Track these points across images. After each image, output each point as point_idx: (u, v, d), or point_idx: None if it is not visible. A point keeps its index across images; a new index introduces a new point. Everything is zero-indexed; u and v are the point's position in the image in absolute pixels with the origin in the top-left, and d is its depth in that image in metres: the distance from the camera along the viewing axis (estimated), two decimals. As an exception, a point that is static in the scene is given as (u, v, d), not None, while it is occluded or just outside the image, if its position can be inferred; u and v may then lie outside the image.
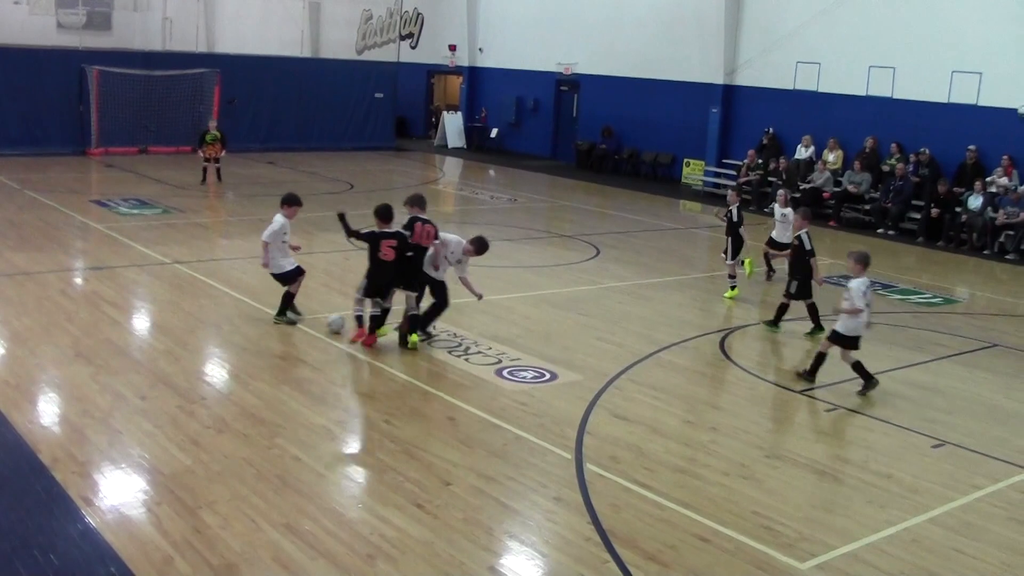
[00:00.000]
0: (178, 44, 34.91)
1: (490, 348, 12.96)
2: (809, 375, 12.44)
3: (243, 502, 8.27)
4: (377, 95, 37.57)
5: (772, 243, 17.84)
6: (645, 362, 12.98)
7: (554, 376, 12.08)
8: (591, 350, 13.56)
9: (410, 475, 9.01)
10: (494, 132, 40.17)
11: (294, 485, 8.67)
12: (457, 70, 42.47)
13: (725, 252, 16.89)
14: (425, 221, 12.92)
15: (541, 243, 15.65)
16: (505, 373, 12.05)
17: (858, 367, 12.16)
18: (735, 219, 16.65)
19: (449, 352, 12.74)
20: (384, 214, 12.62)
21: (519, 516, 8.44)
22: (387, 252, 12.45)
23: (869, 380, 12.15)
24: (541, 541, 8.01)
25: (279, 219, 13.58)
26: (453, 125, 40.79)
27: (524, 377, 11.96)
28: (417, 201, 13.18)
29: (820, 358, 12.35)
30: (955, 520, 8.95)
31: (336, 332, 13.32)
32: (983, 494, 9.57)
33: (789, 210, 17.59)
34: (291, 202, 13.83)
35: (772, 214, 18.25)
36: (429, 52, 42.62)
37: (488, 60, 41.10)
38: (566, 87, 37.96)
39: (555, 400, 11.29)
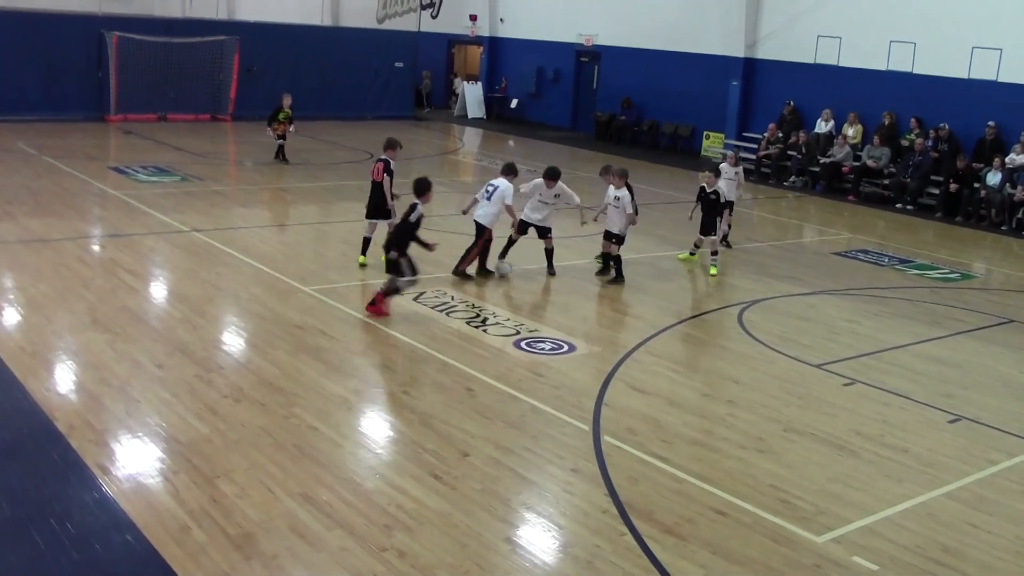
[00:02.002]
0: (198, 11, 34.84)
1: (508, 319, 12.97)
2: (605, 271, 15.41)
3: (260, 471, 8.31)
4: (397, 64, 37.47)
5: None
6: (663, 334, 12.98)
7: (572, 347, 12.09)
8: (609, 322, 13.57)
9: (427, 446, 9.04)
10: (514, 103, 40.06)
11: (311, 455, 8.71)
12: (478, 40, 42.32)
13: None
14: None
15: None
16: (523, 344, 12.06)
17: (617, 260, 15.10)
18: (722, 199, 16.62)
19: (467, 323, 12.75)
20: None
21: (536, 487, 8.47)
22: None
23: (620, 275, 15.08)
24: (558, 512, 8.04)
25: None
26: (473, 95, 40.70)
27: (542, 348, 11.97)
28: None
29: (613, 258, 15.24)
30: (970, 495, 8.96)
31: (503, 276, 14.99)
32: (999, 469, 9.57)
33: (739, 168, 18.32)
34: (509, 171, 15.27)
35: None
36: (450, 22, 42.45)
37: (509, 31, 40.93)
38: (586, 58, 37.80)
39: (573, 371, 11.31)
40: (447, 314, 13.04)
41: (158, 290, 13.98)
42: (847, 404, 11.04)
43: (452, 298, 13.56)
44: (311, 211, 20.08)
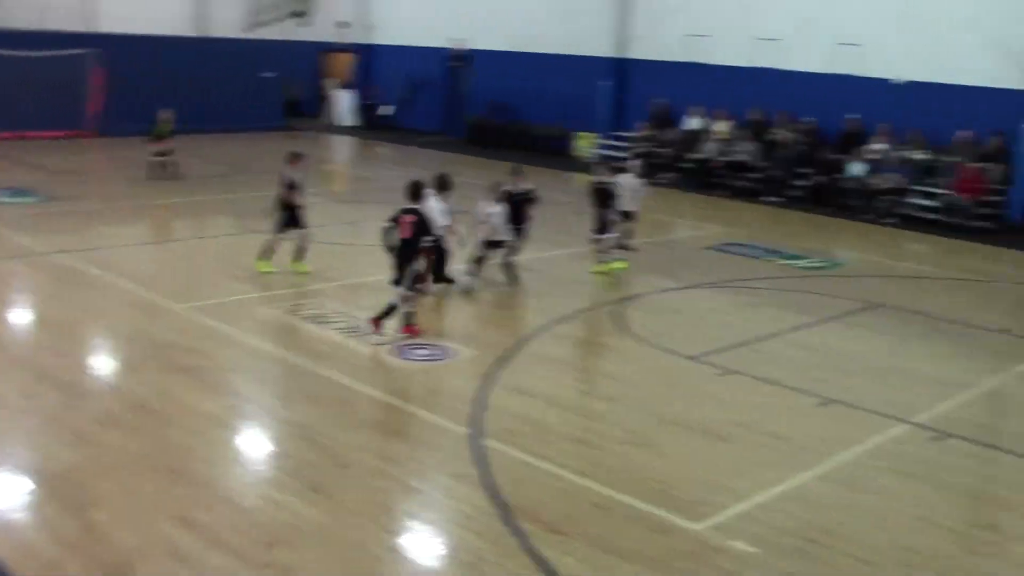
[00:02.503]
0: (54, 23, 33.75)
1: (385, 328, 12.93)
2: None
3: (135, 496, 8.15)
4: (267, 74, 36.97)
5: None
6: (541, 335, 13.08)
7: (450, 353, 12.12)
8: (487, 325, 13.64)
9: (307, 459, 8.98)
10: (387, 109, 39.89)
11: (187, 475, 8.57)
12: (349, 48, 42.03)
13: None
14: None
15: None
16: (401, 352, 12.04)
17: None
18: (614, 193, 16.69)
19: (343, 333, 12.69)
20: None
21: (419, 495, 8.48)
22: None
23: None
24: (442, 518, 8.07)
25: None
26: (346, 103, 40.42)
27: (420, 355, 11.97)
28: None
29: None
30: (841, 475, 9.26)
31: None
32: (865, 448, 9.91)
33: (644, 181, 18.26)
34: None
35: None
36: (320, 30, 42.06)
37: (380, 37, 40.76)
38: (458, 63, 37.83)
39: (451, 377, 11.35)
40: (323, 325, 12.95)
41: (19, 316, 13.48)
42: (722, 394, 11.28)
43: (328, 309, 13.48)
44: (182, 227, 19.76)
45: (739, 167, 27.47)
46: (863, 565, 7.61)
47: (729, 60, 29.30)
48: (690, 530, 7.96)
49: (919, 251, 21.88)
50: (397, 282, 12.31)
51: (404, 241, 12.22)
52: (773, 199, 26.28)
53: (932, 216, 24.37)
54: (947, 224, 23.82)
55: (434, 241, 13.08)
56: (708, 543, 7.77)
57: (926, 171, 25.30)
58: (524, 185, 16.14)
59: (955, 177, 24.24)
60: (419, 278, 12.60)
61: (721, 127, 28.64)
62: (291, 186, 14.91)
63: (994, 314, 16.10)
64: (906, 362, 12.99)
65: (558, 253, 17.40)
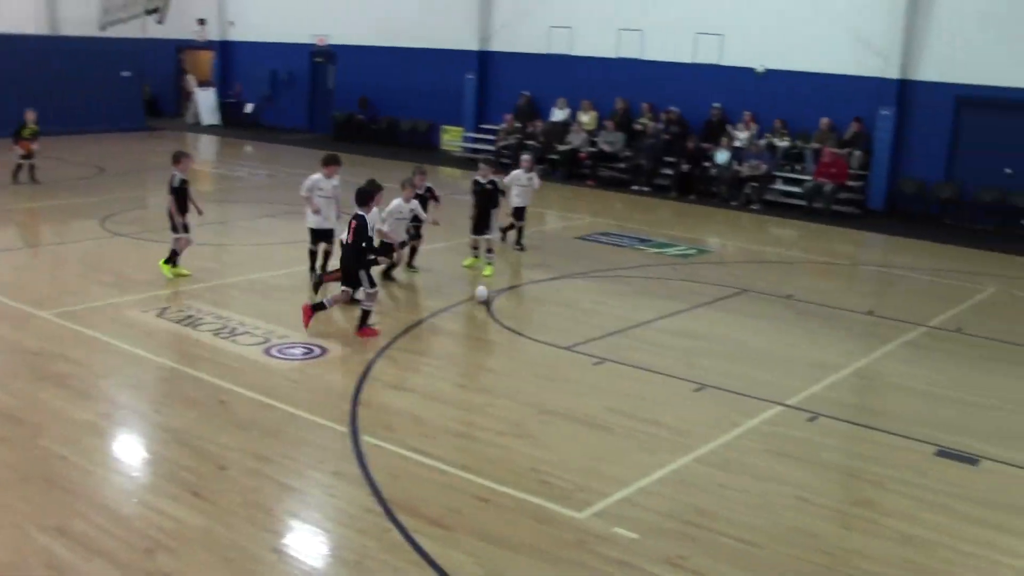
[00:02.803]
0: None
1: (258, 328, 12.74)
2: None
3: (7, 510, 7.86)
4: (124, 73, 36.07)
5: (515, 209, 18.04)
6: (415, 330, 13.03)
7: (325, 351, 11.98)
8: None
9: (184, 463, 8.79)
10: (250, 107, 39.29)
11: (62, 485, 8.31)
12: (208, 45, 41.30)
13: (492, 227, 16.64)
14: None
15: (302, 217, 15.41)
16: (275, 351, 11.87)
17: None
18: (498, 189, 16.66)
19: (215, 335, 12.45)
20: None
21: (299, 494, 8.37)
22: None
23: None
24: (323, 517, 7.97)
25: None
26: (206, 102, 39.69)
27: (294, 354, 11.82)
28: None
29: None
30: (718, 457, 9.42)
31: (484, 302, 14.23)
32: (741, 431, 10.10)
33: (534, 175, 18.07)
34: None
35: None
36: (177, 27, 41.21)
37: (240, 34, 40.12)
38: (321, 58, 37.48)
39: (327, 375, 11.23)
40: (194, 328, 12.69)
41: None
42: (598, 382, 11.38)
43: (198, 311, 13.23)
44: (45, 232, 19.15)
45: (606, 157, 27.79)
46: (744, 546, 7.75)
47: (593, 51, 29.62)
48: (573, 519, 8.01)
49: (785, 236, 22.40)
50: (352, 286, 12.63)
51: (345, 247, 12.52)
52: (641, 188, 26.65)
53: (797, 202, 25.01)
54: (811, 209, 24.46)
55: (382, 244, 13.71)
56: (591, 531, 7.81)
57: (790, 158, 25.97)
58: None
59: (818, 163, 24.89)
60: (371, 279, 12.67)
61: (587, 118, 28.92)
62: (178, 189, 14.61)
63: (859, 297, 16.59)
64: (777, 346, 13.30)
65: (429, 248, 17.33)
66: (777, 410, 10.74)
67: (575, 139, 28.29)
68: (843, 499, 8.97)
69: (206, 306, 13.43)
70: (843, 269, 19.31)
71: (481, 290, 14.45)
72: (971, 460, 9.76)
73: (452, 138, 32.85)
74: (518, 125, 29.76)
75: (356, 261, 12.53)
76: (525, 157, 18.79)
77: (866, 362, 12.87)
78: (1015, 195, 24.03)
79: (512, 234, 18.23)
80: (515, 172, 18.03)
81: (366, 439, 9.38)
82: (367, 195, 12.74)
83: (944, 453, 9.89)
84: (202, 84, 40.79)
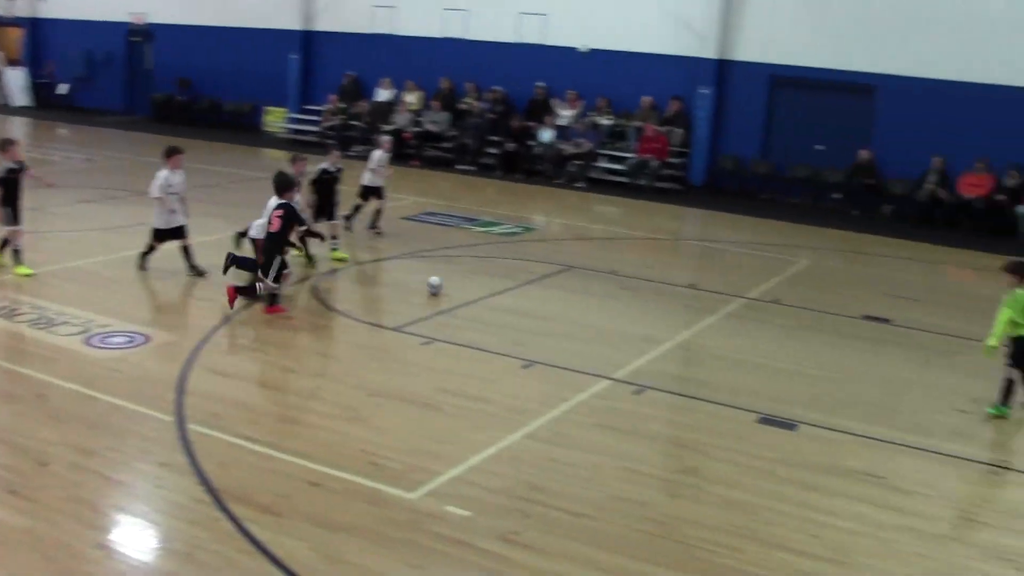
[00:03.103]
0: None
1: (77, 317, 12.32)
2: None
3: None
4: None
5: (366, 191, 17.88)
6: (241, 315, 12.80)
7: (148, 339, 11.66)
8: (186, 308, 13.25)
9: (1, 461, 8.46)
10: (63, 88, 37.87)
11: None
12: (16, 21, 39.58)
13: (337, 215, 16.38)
14: None
15: (123, 202, 15.01)
16: (95, 341, 11.50)
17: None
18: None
19: (32, 326, 12.00)
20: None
21: (125, 487, 8.14)
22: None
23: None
24: (151, 510, 7.77)
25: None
26: (16, 82, 38.07)
27: (116, 343, 11.47)
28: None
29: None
30: (549, 432, 9.55)
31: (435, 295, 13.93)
32: (571, 405, 10.26)
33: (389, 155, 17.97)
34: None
35: (359, 157, 18.03)
36: (-19, 3, 39.48)
37: (51, 11, 38.53)
38: (138, 37, 36.36)
39: (151, 363, 10.93)
40: (9, 319, 12.21)
41: None
42: (428, 362, 11.39)
43: (13, 301, 12.74)
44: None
45: (431, 137, 27.80)
46: (576, 518, 7.87)
47: (418, 31, 29.55)
48: (405, 499, 8.01)
49: (609, 213, 22.79)
50: (265, 272, 12.59)
51: (271, 235, 12.58)
52: (466, 168, 26.75)
53: (620, 179, 25.46)
54: (635, 186, 24.95)
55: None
56: (424, 511, 7.83)
57: (613, 136, 26.42)
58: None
59: (640, 140, 25.40)
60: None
61: (412, 98, 28.86)
62: (5, 180, 13.69)
63: (682, 271, 17.03)
64: (604, 320, 13.53)
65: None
66: (605, 384, 10.95)
67: (400, 119, 28.20)
68: (670, 468, 9.20)
69: (22, 296, 12.93)
70: (666, 244, 19.77)
71: (434, 279, 14.17)
72: (790, 426, 10.14)
73: (275, 119, 32.35)
74: (342, 106, 29.50)
75: (279, 249, 12.60)
76: (385, 138, 18.69)
77: (689, 334, 13.22)
78: (826, 171, 25.02)
79: (369, 216, 18.03)
80: (376, 153, 17.83)
81: (193, 428, 9.18)
82: (290, 183, 12.87)
83: (765, 420, 10.24)
84: (11, 63, 39.08)
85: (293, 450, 8.81)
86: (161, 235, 14.17)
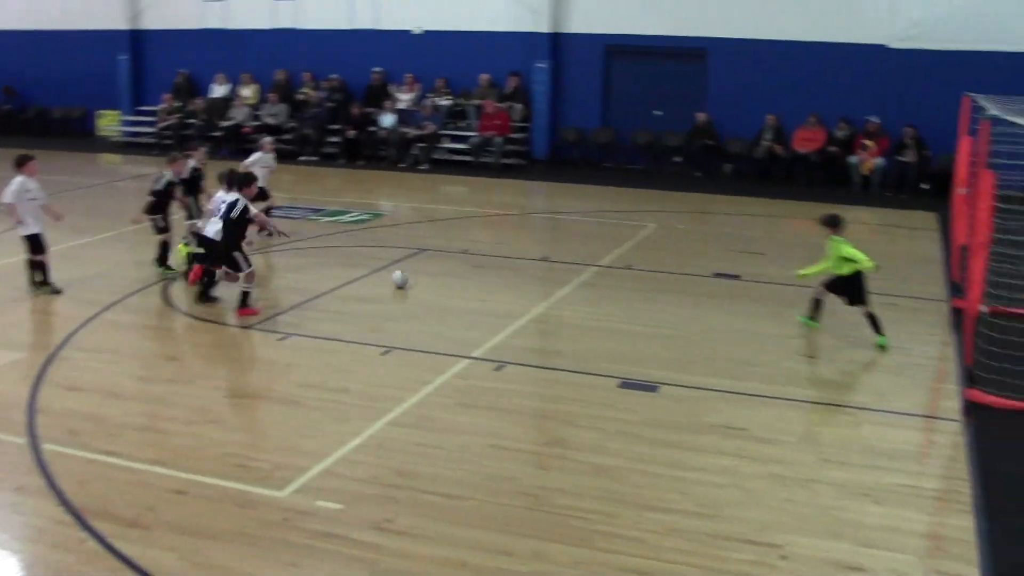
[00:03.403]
0: None
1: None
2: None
3: None
4: None
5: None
6: (88, 326, 12.42)
7: (-9, 359, 11.25)
8: (27, 324, 12.81)
9: None
10: None
11: None
12: None
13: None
14: None
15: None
16: (-65, 366, 11.05)
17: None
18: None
19: None
20: None
21: (-21, 516, 7.86)
22: None
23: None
24: (11, 537, 7.50)
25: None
26: None
27: (-43, 366, 11.03)
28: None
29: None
30: (413, 417, 9.54)
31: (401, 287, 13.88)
32: (432, 388, 10.28)
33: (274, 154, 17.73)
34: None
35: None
36: None
37: None
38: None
39: (-3, 385, 10.56)
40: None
41: None
42: (286, 358, 11.25)
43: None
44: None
45: (271, 130, 27.35)
46: (448, 500, 7.88)
47: (249, 23, 29.02)
48: (275, 498, 7.90)
49: (456, 193, 22.80)
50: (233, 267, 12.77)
51: (231, 230, 12.68)
52: (309, 158, 26.46)
53: (464, 158, 25.48)
54: (479, 164, 25.00)
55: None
56: (294, 508, 7.74)
57: (454, 116, 26.42)
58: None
59: (481, 118, 25.45)
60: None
61: (248, 92, 28.39)
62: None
63: (533, 244, 17.16)
64: (459, 300, 13.54)
65: (93, 239, 16.61)
66: (464, 363, 10.97)
67: (237, 114, 27.71)
68: (536, 440, 9.27)
69: None
70: (515, 220, 19.87)
71: (397, 275, 14.10)
72: (651, 388, 10.32)
73: (109, 123, 31.39)
74: (178, 104, 28.81)
75: (235, 243, 12.69)
76: (267, 139, 18.43)
77: (545, 307, 13.32)
78: (666, 135, 25.46)
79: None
80: (259, 154, 17.49)
81: (48, 447, 8.89)
82: (249, 180, 13.16)
83: (626, 384, 10.41)
84: None
85: (154, 460, 8.61)
86: (35, 242, 13.61)
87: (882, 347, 11.69)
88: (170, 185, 14.77)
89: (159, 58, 30.77)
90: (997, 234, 11.25)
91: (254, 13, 28.84)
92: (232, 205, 12.68)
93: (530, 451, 8.97)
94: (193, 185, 15.54)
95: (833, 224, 12.15)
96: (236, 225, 12.72)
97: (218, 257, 12.91)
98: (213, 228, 13.11)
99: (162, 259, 14.68)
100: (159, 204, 14.68)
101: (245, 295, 12.78)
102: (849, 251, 11.86)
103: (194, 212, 15.26)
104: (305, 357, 11.27)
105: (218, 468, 8.43)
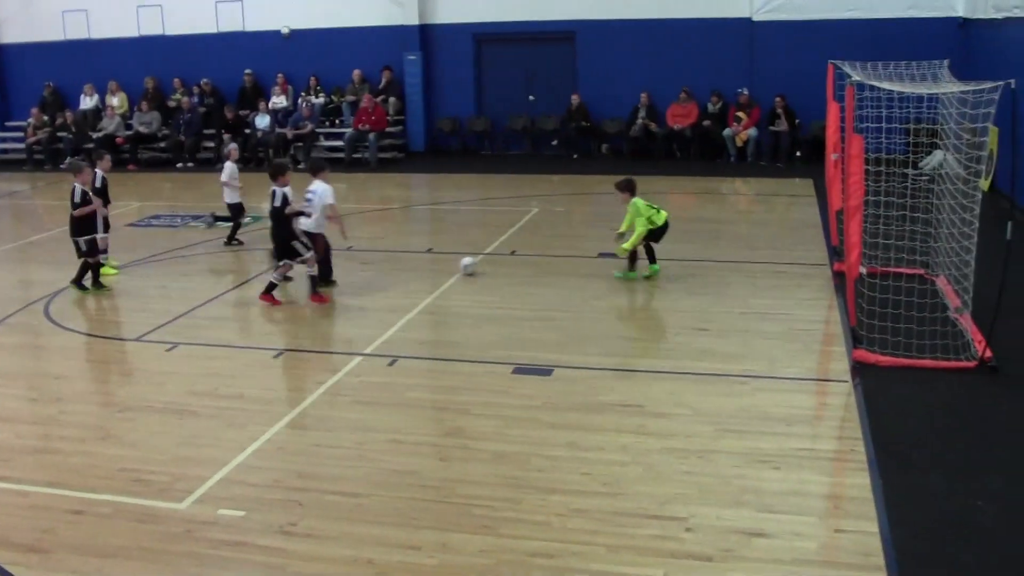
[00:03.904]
0: None
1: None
2: None
3: None
4: None
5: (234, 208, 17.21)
6: (-31, 352, 12.14)
7: None
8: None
9: None
10: None
11: None
12: None
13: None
14: None
15: None
16: None
17: None
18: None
19: None
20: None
21: None
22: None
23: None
24: (-100, 572, 7.32)
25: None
26: None
27: None
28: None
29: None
30: (309, 418, 9.53)
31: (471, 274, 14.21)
32: (326, 388, 10.27)
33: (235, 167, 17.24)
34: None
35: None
36: None
37: None
38: None
39: None
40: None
41: None
42: (175, 368, 11.10)
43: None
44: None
45: (144, 139, 26.97)
46: (351, 499, 7.88)
47: (113, 32, 28.52)
48: (176, 511, 7.81)
49: (337, 190, 22.52)
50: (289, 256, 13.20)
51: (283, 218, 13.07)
52: (185, 165, 26.09)
53: (341, 155, 25.34)
54: (357, 160, 24.92)
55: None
56: (196, 519, 7.66)
57: (329, 113, 26.29)
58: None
59: (357, 114, 25.36)
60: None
61: (117, 101, 27.86)
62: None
63: (416, 237, 17.20)
64: (346, 298, 13.50)
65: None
66: (357, 361, 10.97)
67: (109, 124, 27.17)
68: (435, 432, 9.31)
69: None
70: (397, 213, 19.86)
71: (467, 260, 14.45)
72: (545, 371, 10.43)
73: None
74: (46, 118, 28.13)
75: (291, 232, 13.12)
76: (232, 147, 18.14)
77: (433, 298, 13.36)
78: (541, 119, 25.65)
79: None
80: (228, 164, 17.16)
81: (-66, 478, 8.67)
82: (281, 169, 13.52)
83: (520, 370, 10.51)
84: None
85: (49, 482, 8.44)
86: None
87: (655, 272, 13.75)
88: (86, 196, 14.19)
89: (23, 72, 30.03)
90: (870, 196, 11.59)
91: (118, 22, 28.34)
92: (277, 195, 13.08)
93: (429, 443, 9.00)
94: (104, 194, 14.89)
95: (631, 189, 13.76)
96: (283, 215, 13.04)
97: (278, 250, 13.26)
98: (313, 220, 13.45)
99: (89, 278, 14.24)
100: (87, 221, 14.23)
101: (312, 281, 13.17)
102: (648, 209, 13.48)
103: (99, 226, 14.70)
104: (196, 366, 11.14)
105: (115, 485, 8.30)
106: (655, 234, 13.75)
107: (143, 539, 7.42)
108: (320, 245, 13.57)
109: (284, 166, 13.67)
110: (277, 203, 13.01)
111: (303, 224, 13.35)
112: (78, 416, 9.89)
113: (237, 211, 17.08)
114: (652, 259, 13.87)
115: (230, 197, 16.98)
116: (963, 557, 6.82)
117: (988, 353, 10.15)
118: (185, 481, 8.29)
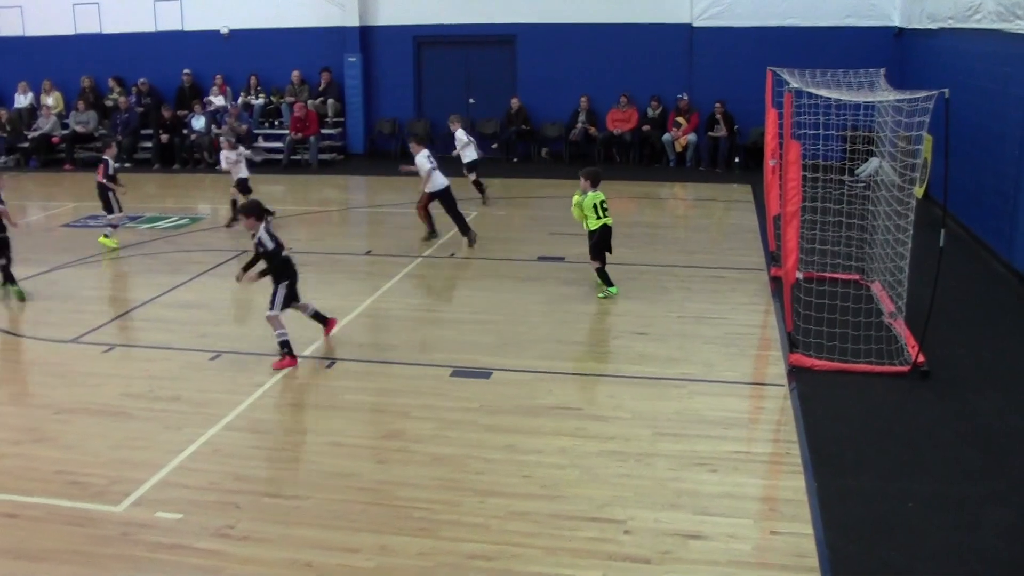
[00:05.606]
0: None
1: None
2: None
3: None
4: None
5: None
6: (-101, 353, 11.95)
7: None
8: None
9: None
10: None
11: None
12: None
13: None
14: None
15: None
16: None
17: None
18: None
19: None
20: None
21: None
22: None
23: None
24: None
25: None
26: None
27: None
28: None
29: None
30: (247, 420, 9.50)
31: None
32: (264, 390, 10.26)
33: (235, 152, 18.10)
34: None
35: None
36: None
37: None
38: None
39: None
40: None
41: None
42: (111, 370, 10.99)
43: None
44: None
45: (81, 138, 26.63)
46: (289, 501, 7.87)
47: (48, 30, 28.12)
48: (112, 514, 7.75)
49: (275, 192, 22.46)
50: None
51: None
52: (122, 165, 25.75)
53: (279, 157, 25.22)
54: (295, 162, 24.83)
55: None
56: (133, 522, 7.60)
57: (268, 114, 26.15)
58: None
59: (292, 121, 25.28)
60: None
61: (51, 100, 27.48)
62: None
63: (355, 239, 17.16)
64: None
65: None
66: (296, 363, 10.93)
67: (44, 124, 26.78)
68: (373, 435, 9.30)
69: None
70: (336, 215, 19.79)
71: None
72: (484, 374, 10.47)
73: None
74: (-22, 116, 27.70)
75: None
76: (222, 138, 18.56)
77: (372, 300, 13.35)
78: (481, 123, 25.69)
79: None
80: (224, 153, 18.18)
81: None
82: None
83: (459, 373, 10.54)
84: None
85: (-20, 484, 8.34)
86: None
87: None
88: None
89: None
90: (807, 203, 11.76)
91: (54, 19, 27.96)
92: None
93: (368, 446, 8.99)
94: (113, 179, 16.75)
95: (593, 180, 13.56)
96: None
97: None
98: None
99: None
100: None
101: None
102: (590, 210, 13.43)
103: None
104: (132, 367, 11.04)
105: (50, 488, 8.21)
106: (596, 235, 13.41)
107: (78, 542, 7.36)
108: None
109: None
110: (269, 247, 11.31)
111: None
112: (12, 418, 9.77)
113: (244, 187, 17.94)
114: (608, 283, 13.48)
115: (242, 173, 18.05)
116: (893, 557, 6.95)
117: (921, 358, 10.34)
118: (122, 483, 8.22)
